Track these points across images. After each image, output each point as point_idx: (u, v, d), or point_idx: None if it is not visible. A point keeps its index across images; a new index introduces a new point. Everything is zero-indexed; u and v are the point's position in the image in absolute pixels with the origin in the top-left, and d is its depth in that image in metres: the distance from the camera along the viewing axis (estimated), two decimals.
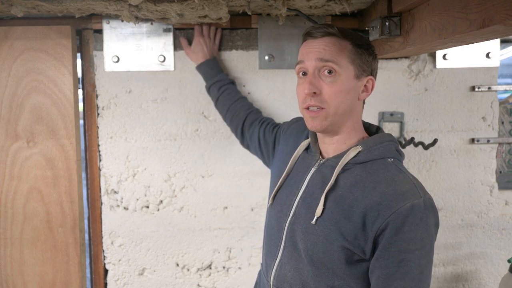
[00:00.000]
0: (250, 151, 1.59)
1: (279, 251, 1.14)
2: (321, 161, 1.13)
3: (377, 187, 1.02)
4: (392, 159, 1.08)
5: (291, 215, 1.13)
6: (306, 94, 1.06)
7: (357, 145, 1.08)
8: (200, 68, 1.63)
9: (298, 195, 1.13)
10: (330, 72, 1.05)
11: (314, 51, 1.07)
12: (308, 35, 1.10)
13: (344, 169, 1.07)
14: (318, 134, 1.16)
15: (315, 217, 1.05)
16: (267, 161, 1.47)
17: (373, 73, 1.13)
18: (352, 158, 1.07)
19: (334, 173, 1.06)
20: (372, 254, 1.01)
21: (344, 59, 1.06)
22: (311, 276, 1.07)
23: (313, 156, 1.16)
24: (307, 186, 1.12)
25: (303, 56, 1.09)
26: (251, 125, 1.54)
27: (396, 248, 0.97)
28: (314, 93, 1.05)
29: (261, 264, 1.26)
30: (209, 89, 1.62)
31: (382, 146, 1.08)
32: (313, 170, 1.13)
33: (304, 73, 1.10)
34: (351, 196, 1.03)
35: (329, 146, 1.13)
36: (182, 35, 1.69)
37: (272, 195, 1.21)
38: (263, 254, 1.24)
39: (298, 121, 1.34)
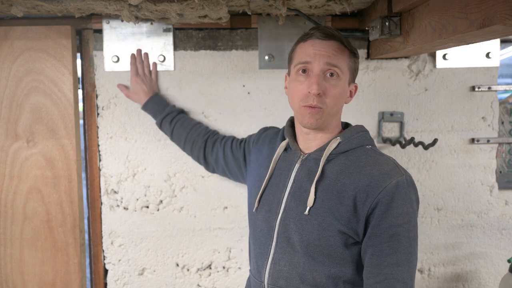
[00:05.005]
0: (218, 174, 1.62)
1: (270, 249, 1.16)
2: (304, 156, 1.18)
3: (362, 171, 1.10)
4: (369, 146, 1.18)
5: (281, 212, 1.16)
6: (312, 94, 1.10)
7: (336, 137, 1.16)
8: (146, 107, 1.62)
9: (286, 192, 1.17)
10: (332, 75, 1.12)
11: (323, 54, 1.12)
12: (313, 36, 1.14)
13: (328, 160, 1.14)
14: (301, 131, 1.20)
15: (308, 208, 1.10)
16: (239, 177, 1.52)
17: (355, 79, 1.23)
18: (334, 149, 1.14)
19: (320, 164, 1.13)
20: (364, 234, 1.08)
21: (345, 65, 1.14)
22: (307, 268, 1.10)
23: (294, 154, 1.21)
24: (294, 182, 1.16)
25: (309, 57, 1.13)
26: (212, 149, 1.56)
27: (386, 224, 1.05)
28: (319, 94, 1.10)
29: (250, 270, 1.27)
30: (160, 125, 1.62)
31: (358, 136, 1.17)
32: (297, 166, 1.18)
33: (304, 71, 1.13)
34: (339, 183, 1.10)
35: (312, 142, 1.19)
36: (182, 35, 1.69)
37: (258, 198, 1.22)
38: (252, 258, 1.26)
39: (267, 130, 1.42)
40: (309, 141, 1.19)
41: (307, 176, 1.15)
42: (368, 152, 1.15)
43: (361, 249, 1.10)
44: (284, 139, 1.28)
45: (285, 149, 1.24)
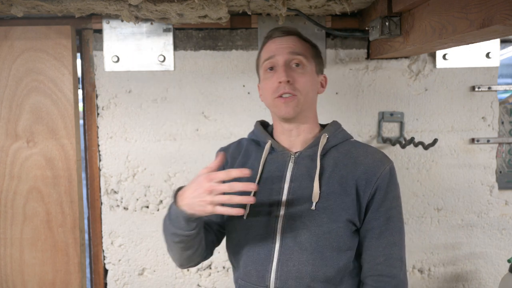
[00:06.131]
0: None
1: (274, 252, 1.13)
2: (296, 155, 1.18)
3: (357, 161, 1.15)
4: (353, 139, 1.23)
5: (282, 213, 1.14)
6: (282, 82, 1.13)
7: (323, 134, 1.19)
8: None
9: (284, 193, 1.16)
10: (297, 65, 1.16)
11: (284, 46, 1.17)
12: (272, 36, 1.20)
13: (321, 155, 1.17)
14: (283, 128, 1.20)
15: (314, 203, 1.12)
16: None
17: (323, 72, 1.26)
18: (324, 144, 1.18)
19: (318, 159, 1.15)
20: (363, 221, 1.14)
21: (308, 53, 1.18)
22: (317, 264, 1.11)
23: (283, 154, 1.20)
24: (291, 181, 1.16)
25: (272, 52, 1.17)
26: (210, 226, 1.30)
27: (384, 208, 1.12)
28: (288, 81, 1.13)
29: (240, 279, 1.19)
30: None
31: (340, 131, 1.22)
32: (291, 165, 1.18)
33: (271, 68, 1.17)
34: (337, 175, 1.14)
35: (296, 139, 1.20)
36: (182, 35, 1.69)
37: (248, 205, 1.15)
38: (245, 266, 1.17)
39: (226, 149, 1.30)
40: (292, 137, 1.20)
41: (305, 173, 1.15)
42: (355, 144, 1.21)
43: (359, 235, 1.15)
44: (258, 144, 1.25)
45: (269, 152, 1.22)
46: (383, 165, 1.14)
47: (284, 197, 1.15)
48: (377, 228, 1.13)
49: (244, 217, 1.18)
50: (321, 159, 1.16)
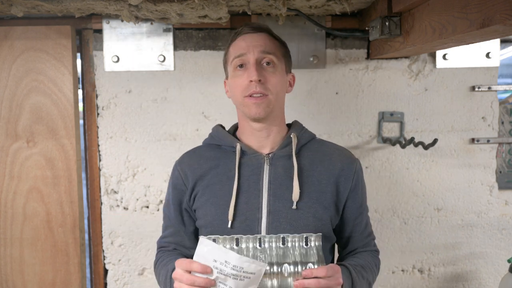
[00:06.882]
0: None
1: None
2: (270, 156, 1.17)
3: (332, 158, 1.19)
4: (317, 137, 1.26)
5: (264, 215, 1.12)
6: (253, 81, 1.10)
7: (291, 134, 1.19)
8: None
9: (264, 195, 1.14)
10: (268, 63, 1.13)
11: (255, 44, 1.14)
12: (241, 32, 1.17)
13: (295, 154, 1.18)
14: (253, 129, 1.16)
15: (294, 202, 1.12)
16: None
17: (291, 71, 1.25)
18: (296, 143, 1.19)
19: (294, 158, 1.15)
20: (342, 212, 1.19)
21: (278, 52, 1.16)
22: None
23: (256, 156, 1.17)
24: (270, 182, 1.14)
25: (243, 49, 1.14)
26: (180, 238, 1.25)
27: (360, 199, 1.21)
28: (260, 80, 1.11)
29: None
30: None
31: (304, 130, 1.24)
32: (266, 167, 1.16)
33: (241, 66, 1.14)
34: (315, 172, 1.16)
35: (266, 140, 1.18)
36: (182, 35, 1.69)
37: (232, 211, 1.12)
38: None
39: (183, 159, 1.25)
40: (262, 138, 1.17)
41: (283, 174, 1.14)
42: (323, 142, 1.25)
43: (338, 224, 1.21)
44: (220, 148, 1.21)
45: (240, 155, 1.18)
46: (354, 161, 1.20)
47: (265, 200, 1.13)
48: (354, 220, 1.21)
49: (229, 226, 1.12)
50: (296, 159, 1.15)
